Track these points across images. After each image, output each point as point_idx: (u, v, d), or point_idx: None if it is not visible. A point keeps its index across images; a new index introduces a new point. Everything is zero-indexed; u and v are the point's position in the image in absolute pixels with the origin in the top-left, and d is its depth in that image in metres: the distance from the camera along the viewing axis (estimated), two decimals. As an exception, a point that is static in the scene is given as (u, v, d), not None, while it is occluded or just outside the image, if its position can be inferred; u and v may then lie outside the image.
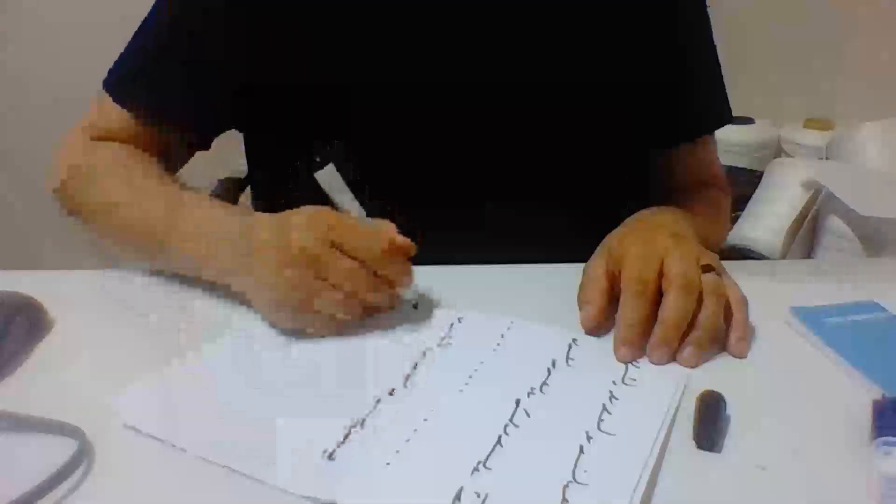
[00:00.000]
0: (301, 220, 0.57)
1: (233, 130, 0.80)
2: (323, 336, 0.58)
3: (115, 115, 0.74)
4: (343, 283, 0.56)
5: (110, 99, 0.74)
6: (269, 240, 0.57)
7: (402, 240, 0.58)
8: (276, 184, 0.80)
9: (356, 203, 0.60)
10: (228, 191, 1.06)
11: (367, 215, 0.69)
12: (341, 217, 0.58)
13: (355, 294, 0.57)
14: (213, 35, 0.71)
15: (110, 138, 0.74)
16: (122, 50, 0.75)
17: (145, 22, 0.74)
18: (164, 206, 0.65)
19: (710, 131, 0.86)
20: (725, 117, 0.84)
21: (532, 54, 0.72)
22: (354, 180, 0.71)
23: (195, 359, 0.56)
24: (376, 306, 0.60)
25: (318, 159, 0.71)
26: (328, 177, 0.60)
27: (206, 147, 0.78)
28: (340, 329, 0.58)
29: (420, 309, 0.63)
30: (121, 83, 0.74)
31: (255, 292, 0.59)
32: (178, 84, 0.73)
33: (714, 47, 0.81)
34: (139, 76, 0.74)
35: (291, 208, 0.59)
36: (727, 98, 0.83)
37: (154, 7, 0.74)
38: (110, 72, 0.75)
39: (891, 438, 0.45)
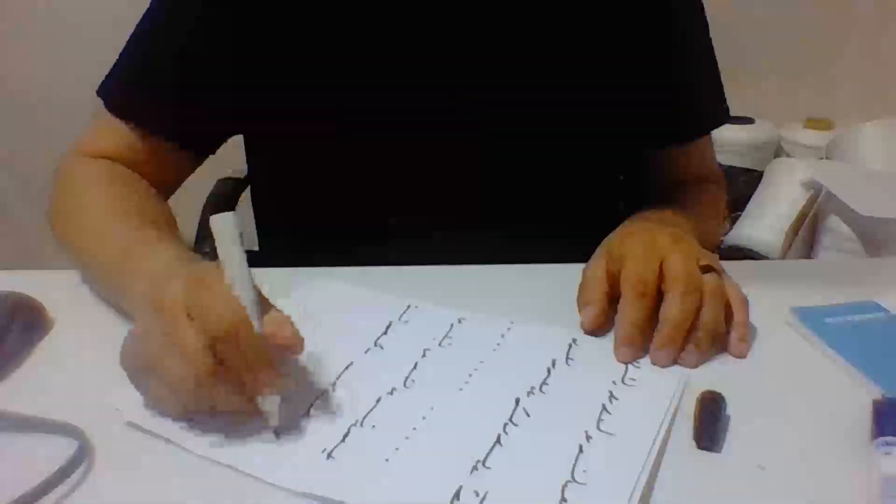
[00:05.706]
0: (184, 272, 0.48)
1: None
2: (166, 414, 0.47)
3: (113, 129, 0.72)
4: (176, 360, 0.44)
5: (108, 114, 0.72)
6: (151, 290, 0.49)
7: (284, 335, 0.46)
8: (275, 184, 0.80)
9: (246, 266, 0.47)
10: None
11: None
12: (208, 278, 0.46)
13: (180, 383, 0.44)
14: (208, 40, 0.70)
15: (107, 153, 0.72)
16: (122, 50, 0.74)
17: (140, 25, 0.73)
18: (118, 252, 0.59)
19: (707, 132, 0.86)
20: (722, 117, 0.84)
21: (525, 57, 0.72)
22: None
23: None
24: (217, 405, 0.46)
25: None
26: (222, 224, 0.47)
27: (212, 153, 0.77)
28: (186, 415, 0.47)
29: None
30: (118, 97, 0.72)
31: None
32: (179, 100, 0.71)
33: (711, 48, 0.81)
34: (136, 90, 0.72)
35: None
36: (724, 98, 0.83)
37: (148, 10, 0.72)
38: (106, 81, 0.73)
39: (891, 438, 0.45)
